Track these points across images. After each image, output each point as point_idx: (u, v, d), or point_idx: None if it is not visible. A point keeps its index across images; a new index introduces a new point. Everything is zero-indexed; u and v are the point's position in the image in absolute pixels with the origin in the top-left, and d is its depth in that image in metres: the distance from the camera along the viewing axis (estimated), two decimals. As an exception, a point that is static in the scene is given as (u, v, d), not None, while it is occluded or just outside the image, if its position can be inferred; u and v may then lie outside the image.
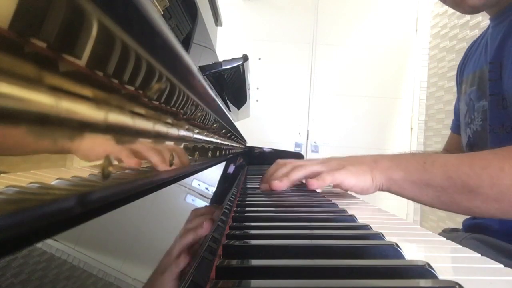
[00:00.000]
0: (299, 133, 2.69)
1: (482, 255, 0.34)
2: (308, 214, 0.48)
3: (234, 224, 0.39)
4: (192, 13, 0.59)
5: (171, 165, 0.26)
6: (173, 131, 0.26)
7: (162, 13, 0.35)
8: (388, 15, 2.67)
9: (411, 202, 2.57)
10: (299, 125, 2.69)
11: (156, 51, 0.17)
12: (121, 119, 0.16)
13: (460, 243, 0.39)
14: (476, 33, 1.98)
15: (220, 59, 0.61)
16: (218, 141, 0.56)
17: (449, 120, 1.00)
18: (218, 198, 0.48)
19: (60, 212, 0.13)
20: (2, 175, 0.10)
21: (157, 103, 0.21)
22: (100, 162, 0.15)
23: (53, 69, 0.11)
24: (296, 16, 2.65)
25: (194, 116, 0.33)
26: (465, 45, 2.05)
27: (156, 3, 0.32)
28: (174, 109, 0.25)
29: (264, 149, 1.58)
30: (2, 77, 0.09)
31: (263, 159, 1.51)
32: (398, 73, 2.69)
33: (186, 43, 0.55)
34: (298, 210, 0.51)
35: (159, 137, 0.23)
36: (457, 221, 2.01)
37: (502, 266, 0.30)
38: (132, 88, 0.17)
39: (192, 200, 0.37)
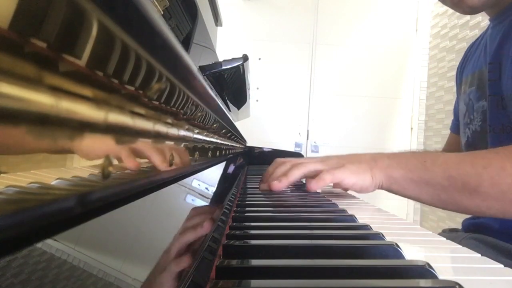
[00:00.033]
0: (299, 133, 2.69)
1: (482, 255, 0.34)
2: (308, 214, 0.48)
3: (234, 224, 0.39)
4: (192, 13, 0.59)
5: (171, 165, 0.26)
6: (173, 131, 0.26)
7: (162, 13, 0.35)
8: (388, 15, 2.67)
9: (411, 202, 2.57)
10: (299, 125, 2.69)
11: (156, 51, 0.17)
12: (121, 119, 0.16)
13: (460, 243, 0.39)
14: (476, 33, 1.98)
15: (220, 59, 0.61)
16: (218, 141, 0.56)
17: (449, 120, 1.01)
18: (218, 198, 0.48)
19: (60, 212, 0.13)
20: (2, 175, 0.10)
21: (157, 103, 0.21)
22: (100, 162, 0.15)
23: (53, 69, 0.11)
24: (296, 16, 2.65)
25: (194, 116, 0.33)
26: (465, 45, 2.05)
27: (156, 3, 0.32)
28: (174, 109, 0.25)
29: (264, 149, 1.58)
30: (2, 77, 0.09)
31: (263, 159, 1.51)
32: (398, 73, 2.69)
33: (186, 43, 0.55)
34: (298, 210, 0.51)
35: (159, 137, 0.23)
36: (457, 221, 2.01)
37: (502, 266, 0.30)
38: (132, 88, 0.17)
39: (192, 200, 0.37)
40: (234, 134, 0.80)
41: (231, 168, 0.83)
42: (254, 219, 0.43)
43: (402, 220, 0.53)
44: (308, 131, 2.69)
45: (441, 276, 0.25)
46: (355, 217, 0.45)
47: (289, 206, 0.55)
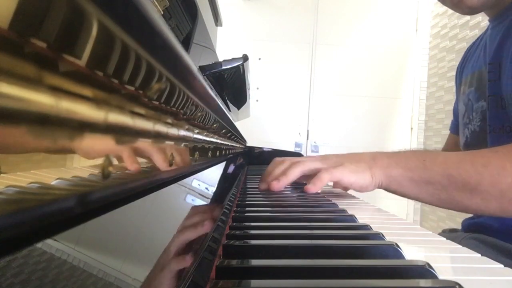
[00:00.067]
0: (299, 133, 2.69)
1: (482, 255, 0.34)
2: (308, 214, 0.48)
3: (234, 224, 0.39)
4: (192, 13, 0.59)
5: (171, 165, 0.26)
6: (173, 131, 0.26)
7: (162, 13, 0.35)
8: (388, 15, 2.67)
9: (411, 202, 2.57)
10: (299, 125, 2.69)
11: (156, 51, 0.17)
12: (121, 119, 0.16)
13: (459, 243, 0.39)
14: (476, 33, 1.98)
15: (220, 59, 0.61)
16: (218, 141, 0.56)
17: (449, 120, 1.01)
18: (218, 198, 0.48)
19: (60, 212, 0.13)
20: (2, 175, 0.10)
21: (157, 103, 0.21)
22: (100, 162, 0.15)
23: (53, 69, 0.11)
24: (296, 16, 2.65)
25: (194, 116, 0.33)
26: (465, 45, 2.05)
27: (156, 3, 0.32)
28: (174, 109, 0.25)
29: (264, 149, 1.58)
30: (2, 77, 0.09)
31: (263, 159, 1.51)
32: (398, 73, 2.69)
33: (186, 43, 0.55)
34: (298, 210, 0.51)
35: (159, 137, 0.23)
36: (457, 221, 2.01)
37: (502, 266, 0.30)
38: (132, 88, 0.17)
39: (192, 200, 0.37)
40: (234, 134, 0.80)
41: (231, 168, 0.83)
42: (254, 219, 0.43)
43: (402, 220, 0.53)
44: (308, 131, 2.69)
45: (441, 276, 0.25)
46: (355, 217, 0.45)
47: (289, 206, 0.55)
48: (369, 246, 0.31)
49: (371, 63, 2.66)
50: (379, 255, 0.30)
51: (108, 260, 0.16)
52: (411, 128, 2.68)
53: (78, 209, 0.14)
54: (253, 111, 1.99)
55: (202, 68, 0.51)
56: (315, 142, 2.68)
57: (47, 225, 0.12)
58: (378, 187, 0.63)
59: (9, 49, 0.09)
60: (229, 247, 0.30)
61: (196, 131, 0.36)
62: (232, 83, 0.76)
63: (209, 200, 0.43)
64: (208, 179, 0.48)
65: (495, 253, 0.64)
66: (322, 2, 2.66)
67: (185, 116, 0.29)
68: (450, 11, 0.83)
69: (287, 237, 0.35)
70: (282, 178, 0.66)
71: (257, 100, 2.62)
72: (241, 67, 0.62)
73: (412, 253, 0.32)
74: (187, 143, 0.33)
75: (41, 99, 0.10)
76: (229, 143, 0.76)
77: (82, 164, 0.14)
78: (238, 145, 1.06)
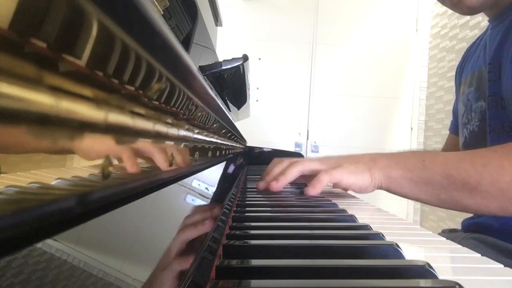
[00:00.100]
0: (299, 133, 2.69)
1: (482, 255, 0.34)
2: (308, 214, 0.48)
3: (234, 224, 0.39)
4: (192, 13, 0.59)
5: (171, 165, 0.26)
6: (173, 131, 0.26)
7: (162, 13, 0.35)
8: (388, 15, 2.67)
9: (411, 202, 2.57)
10: (299, 125, 2.69)
11: (156, 51, 0.17)
12: (121, 119, 0.16)
13: (459, 243, 0.39)
14: (476, 33, 1.98)
15: (220, 59, 0.61)
16: (218, 141, 0.56)
17: (449, 120, 1.01)
18: (218, 198, 0.48)
19: (60, 212, 0.13)
20: (2, 175, 0.10)
21: (157, 103, 0.21)
22: (100, 162, 0.15)
23: (53, 69, 0.11)
24: (296, 16, 2.65)
25: (194, 116, 0.33)
26: (465, 45, 2.05)
27: (156, 3, 0.32)
28: (174, 109, 0.25)
29: (264, 149, 1.58)
30: (2, 77, 0.09)
31: (263, 159, 1.51)
32: (398, 73, 2.69)
33: (186, 43, 0.55)
34: (298, 210, 0.51)
35: (159, 137, 0.23)
36: (457, 221, 2.01)
37: (502, 266, 0.30)
38: (132, 88, 0.17)
39: (192, 200, 0.37)
40: (234, 134, 0.80)
41: (231, 168, 0.83)
42: (254, 219, 0.43)
43: (402, 220, 0.53)
44: (308, 131, 2.69)
45: (441, 276, 0.25)
46: (355, 217, 0.45)
47: (289, 206, 0.55)
48: (369, 246, 0.31)
49: (371, 63, 2.66)
50: (379, 255, 0.30)
51: (108, 260, 0.16)
52: (411, 128, 2.68)
53: (78, 209, 0.14)
54: (253, 111, 1.99)
55: (202, 68, 0.51)
56: (315, 142, 2.68)
57: (47, 225, 0.12)
58: (378, 188, 0.63)
59: (9, 49, 0.09)
60: (229, 247, 0.30)
61: (196, 131, 0.36)
62: (232, 83, 0.76)
63: (209, 200, 0.43)
64: (208, 179, 0.48)
65: (495, 253, 0.64)
66: (322, 2, 2.66)
67: (185, 116, 0.29)
68: (450, 11, 0.83)
69: (287, 237, 0.35)
70: (281, 178, 0.65)
71: (257, 100, 2.62)
72: (241, 67, 0.62)
73: (412, 253, 0.32)
74: (187, 143, 0.33)
75: (41, 99, 0.10)
76: (229, 143, 0.76)
77: (82, 164, 0.14)
78: (238, 145, 1.06)
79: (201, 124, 0.39)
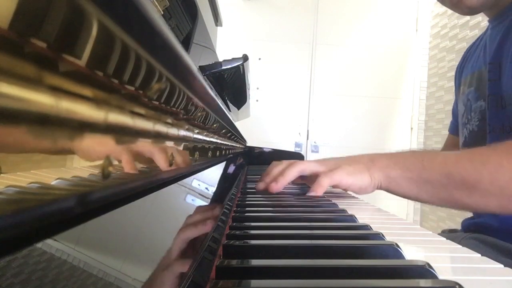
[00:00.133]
0: (299, 133, 2.69)
1: (482, 254, 0.34)
2: (308, 214, 0.48)
3: (234, 224, 0.39)
4: (192, 13, 0.59)
5: (171, 165, 0.26)
6: (173, 131, 0.26)
7: (162, 13, 0.35)
8: (388, 15, 2.67)
9: (411, 202, 2.57)
10: (299, 125, 2.69)
11: (156, 51, 0.17)
12: (121, 119, 0.16)
13: (459, 243, 0.39)
14: (476, 33, 1.98)
15: (220, 59, 0.61)
16: (218, 141, 0.56)
17: (449, 120, 1.01)
18: (218, 198, 0.48)
19: (60, 212, 0.13)
20: (2, 175, 0.10)
21: (157, 103, 0.21)
22: (100, 162, 0.15)
23: (53, 69, 0.11)
24: (296, 16, 2.65)
25: (194, 116, 0.33)
26: (465, 45, 2.05)
27: (156, 3, 0.32)
28: (174, 109, 0.25)
29: (264, 149, 1.58)
30: (2, 77, 0.09)
31: (263, 159, 1.51)
32: (398, 73, 2.69)
33: (186, 43, 0.55)
34: (298, 210, 0.51)
35: (159, 137, 0.23)
36: (457, 221, 2.01)
37: (502, 266, 0.30)
38: (132, 88, 0.17)
39: (192, 200, 0.37)
40: (234, 134, 0.80)
41: (231, 168, 0.83)
42: (254, 219, 0.43)
43: (402, 220, 0.54)
44: (308, 131, 2.69)
45: (441, 276, 0.25)
46: (355, 217, 0.45)
47: (289, 206, 0.55)
48: (369, 246, 0.31)
49: (371, 63, 2.66)
50: (379, 255, 0.30)
51: (108, 260, 0.16)
52: (411, 128, 2.68)
53: (78, 209, 0.14)
54: (253, 111, 1.99)
55: (202, 68, 0.51)
56: (315, 142, 2.68)
57: (47, 225, 0.12)
58: (378, 189, 0.63)
59: (9, 49, 0.09)
60: (229, 247, 0.30)
61: (196, 131, 0.36)
62: (232, 83, 0.76)
63: (209, 200, 0.43)
64: (208, 179, 0.48)
65: (495, 253, 0.64)
66: (322, 2, 2.66)
67: (185, 116, 0.29)
68: (450, 11, 0.83)
69: (287, 237, 0.35)
70: (280, 179, 0.65)
71: (257, 100, 2.62)
72: (241, 67, 0.62)
73: (412, 253, 0.32)
74: (187, 143, 0.33)
75: (41, 99, 0.10)
76: (229, 143, 0.76)
77: (82, 164, 0.14)
78: (238, 145, 1.06)
79: (201, 124, 0.39)
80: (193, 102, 0.28)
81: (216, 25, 1.07)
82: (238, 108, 1.12)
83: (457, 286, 0.23)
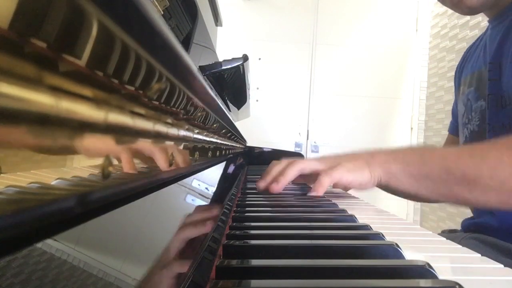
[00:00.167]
0: (299, 133, 2.69)
1: (482, 254, 0.34)
2: (308, 214, 0.48)
3: (234, 224, 0.39)
4: (192, 13, 0.59)
5: (171, 165, 0.26)
6: (173, 131, 0.26)
7: (162, 13, 0.35)
8: (388, 15, 2.67)
9: (411, 202, 2.57)
10: (299, 125, 2.69)
11: (156, 51, 0.17)
12: (121, 119, 0.16)
13: (459, 243, 0.39)
14: (476, 33, 1.98)
15: (220, 59, 0.61)
16: (218, 141, 0.56)
17: (449, 120, 1.01)
18: (218, 198, 0.48)
19: (60, 212, 0.13)
20: (2, 175, 0.10)
21: (157, 103, 0.21)
22: (100, 162, 0.15)
23: (53, 69, 0.11)
24: (296, 16, 2.65)
25: (194, 116, 0.33)
26: (465, 45, 2.05)
27: (156, 3, 0.32)
28: (174, 109, 0.25)
29: (264, 149, 1.58)
30: (2, 77, 0.09)
31: (263, 159, 1.51)
32: (398, 73, 2.69)
33: (186, 43, 0.55)
34: (298, 210, 0.51)
35: (159, 137, 0.23)
36: (457, 221, 2.01)
37: (502, 266, 0.30)
38: (132, 88, 0.17)
39: (192, 200, 0.37)
40: (234, 134, 0.80)
41: (231, 168, 0.83)
42: (254, 219, 0.43)
43: (402, 220, 0.53)
44: (308, 131, 2.69)
45: (441, 276, 0.25)
46: (355, 217, 0.45)
47: (289, 206, 0.55)
48: (369, 246, 0.31)
49: (371, 63, 2.66)
50: (379, 255, 0.30)
51: (108, 260, 0.16)
52: (411, 128, 2.68)
53: (78, 209, 0.14)
54: (253, 111, 1.99)
55: (202, 68, 0.51)
56: (315, 142, 2.68)
57: (47, 225, 0.12)
58: (378, 184, 0.62)
59: (9, 49, 0.09)
60: (229, 247, 0.30)
61: (196, 131, 0.36)
62: (232, 83, 0.76)
63: (209, 200, 0.43)
64: (208, 179, 0.48)
65: (495, 253, 0.64)
66: (322, 2, 2.66)
67: (185, 116, 0.29)
68: (450, 11, 0.84)
69: (287, 237, 0.35)
70: (280, 179, 0.65)
71: (257, 100, 2.62)
72: (241, 67, 0.62)
73: (412, 253, 0.32)
74: (187, 143, 0.33)
75: (41, 99, 0.10)
76: (229, 143, 0.76)
77: (82, 164, 0.14)
78: (238, 145, 1.06)
79: (201, 124, 0.39)
80: (193, 102, 0.28)
81: (216, 25, 1.07)
82: (238, 108, 1.12)
83: (457, 286, 0.23)
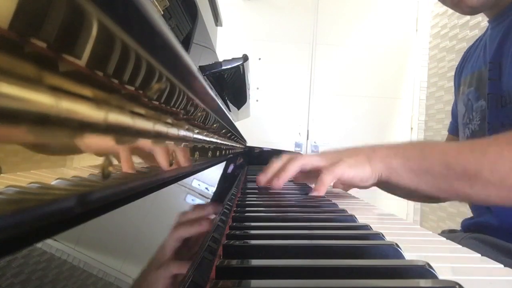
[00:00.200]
0: (299, 133, 2.69)
1: (482, 254, 0.34)
2: (308, 214, 0.48)
3: (234, 224, 0.39)
4: (192, 13, 0.59)
5: (171, 165, 0.26)
6: (173, 131, 0.26)
7: (162, 13, 0.35)
8: (388, 15, 2.66)
9: (411, 202, 2.57)
10: (299, 125, 2.69)
11: (156, 51, 0.17)
12: (121, 119, 0.16)
13: (459, 243, 0.39)
14: (476, 33, 1.98)
15: (220, 59, 0.61)
16: (218, 141, 0.56)
17: (449, 120, 1.01)
18: (218, 198, 0.48)
19: (60, 212, 0.13)
20: (2, 175, 0.10)
21: (157, 103, 0.21)
22: (100, 162, 0.15)
23: (53, 69, 0.11)
24: (296, 16, 2.65)
25: (194, 116, 0.33)
26: (465, 45, 2.05)
27: (156, 3, 0.32)
28: (174, 109, 0.25)
29: (264, 149, 1.58)
30: (2, 77, 0.09)
31: (263, 159, 1.51)
32: (398, 73, 2.69)
33: (186, 43, 0.55)
34: (298, 210, 0.51)
35: (159, 137, 0.23)
36: (457, 221, 2.01)
37: (502, 266, 0.30)
38: (132, 88, 0.17)
39: (192, 200, 0.37)
40: (234, 134, 0.80)
41: (231, 168, 0.83)
42: (254, 219, 0.43)
43: (402, 220, 0.53)
44: (308, 131, 2.69)
45: (441, 276, 0.25)
46: (355, 217, 0.45)
47: (289, 206, 0.55)
48: (369, 246, 0.31)
49: (371, 63, 2.66)
50: (379, 255, 0.30)
51: (108, 260, 0.16)
52: (411, 128, 2.68)
53: (78, 209, 0.14)
54: (253, 111, 1.99)
55: (202, 68, 0.51)
56: (315, 142, 2.68)
57: (47, 225, 0.12)
58: (378, 180, 0.61)
59: (9, 49, 0.09)
60: (229, 247, 0.30)
61: (196, 131, 0.36)
62: (232, 83, 0.76)
63: (209, 200, 0.43)
64: (208, 179, 0.48)
65: (495, 253, 0.64)
66: (322, 2, 2.66)
67: (185, 116, 0.29)
68: (450, 11, 0.84)
69: (287, 237, 0.35)
70: (282, 174, 0.65)
71: (257, 100, 2.62)
72: (241, 67, 0.62)
73: (412, 253, 0.32)
74: (187, 143, 0.33)
75: (41, 99, 0.10)
76: (229, 143, 0.76)
77: (82, 164, 0.14)
78: (238, 145, 1.06)
79: (201, 124, 0.39)
80: (193, 102, 0.28)
81: (216, 25, 1.07)
82: (238, 108, 1.12)
83: (457, 286, 0.23)
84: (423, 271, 0.25)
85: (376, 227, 0.39)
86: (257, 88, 2.62)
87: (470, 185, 0.54)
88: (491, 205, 0.68)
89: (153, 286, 0.18)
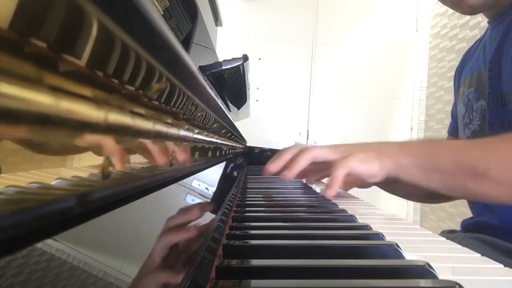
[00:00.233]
0: (299, 133, 2.69)
1: (482, 254, 0.34)
2: (308, 214, 0.48)
3: (234, 224, 0.39)
4: (192, 13, 0.59)
5: (171, 165, 0.26)
6: (173, 131, 0.26)
7: (162, 13, 0.35)
8: (388, 15, 2.66)
9: (411, 202, 2.57)
10: (299, 125, 2.69)
11: (156, 51, 0.17)
12: (121, 119, 0.16)
13: (459, 243, 0.39)
14: (476, 33, 1.98)
15: (220, 59, 0.61)
16: (218, 141, 0.56)
17: (449, 120, 1.01)
18: (218, 198, 0.48)
19: (60, 212, 0.13)
20: (2, 175, 0.10)
21: (157, 103, 0.21)
22: (100, 162, 0.15)
23: (53, 69, 0.11)
24: (296, 16, 2.65)
25: (194, 116, 0.33)
26: (465, 45, 2.05)
27: (156, 3, 0.32)
28: (174, 109, 0.25)
29: (264, 149, 1.58)
30: (2, 77, 0.09)
31: (263, 159, 1.51)
32: (398, 73, 2.69)
33: (186, 43, 0.55)
34: (298, 210, 0.51)
35: (159, 137, 0.23)
36: (457, 221, 2.01)
37: (502, 266, 0.30)
38: (132, 88, 0.17)
39: (192, 200, 0.37)
40: (234, 134, 0.80)
41: (231, 168, 0.83)
42: (254, 219, 0.43)
43: (402, 220, 0.53)
44: (308, 131, 2.69)
45: (441, 276, 0.25)
46: (355, 217, 0.45)
47: (289, 206, 0.55)
48: (369, 246, 0.31)
49: (371, 63, 2.66)
50: (379, 255, 0.30)
51: (108, 260, 0.16)
52: (411, 128, 2.68)
53: (78, 209, 0.14)
54: (253, 111, 1.99)
55: (202, 68, 0.51)
56: (315, 142, 2.68)
57: (47, 225, 0.12)
58: (386, 176, 0.61)
59: (9, 49, 0.09)
60: (229, 247, 0.30)
61: (196, 131, 0.36)
62: (232, 83, 0.76)
63: (209, 200, 0.43)
64: (208, 179, 0.48)
65: (495, 252, 0.64)
66: (322, 2, 2.66)
67: (185, 116, 0.29)
68: (450, 11, 0.84)
69: (287, 237, 0.35)
70: (294, 165, 0.63)
71: (257, 100, 2.62)
72: (241, 67, 0.62)
73: (412, 253, 0.32)
74: (187, 143, 0.33)
75: (41, 99, 0.10)
76: (229, 143, 0.76)
77: (82, 164, 0.14)
78: (238, 145, 1.06)
79: (201, 124, 0.39)
80: (193, 102, 0.28)
81: (216, 25, 1.07)
82: (238, 108, 1.12)
83: (457, 286, 0.23)
84: (423, 271, 0.25)
85: (376, 227, 0.39)
86: (257, 88, 2.62)
87: (480, 184, 0.54)
88: (501, 204, 0.67)
89: (153, 286, 0.18)
